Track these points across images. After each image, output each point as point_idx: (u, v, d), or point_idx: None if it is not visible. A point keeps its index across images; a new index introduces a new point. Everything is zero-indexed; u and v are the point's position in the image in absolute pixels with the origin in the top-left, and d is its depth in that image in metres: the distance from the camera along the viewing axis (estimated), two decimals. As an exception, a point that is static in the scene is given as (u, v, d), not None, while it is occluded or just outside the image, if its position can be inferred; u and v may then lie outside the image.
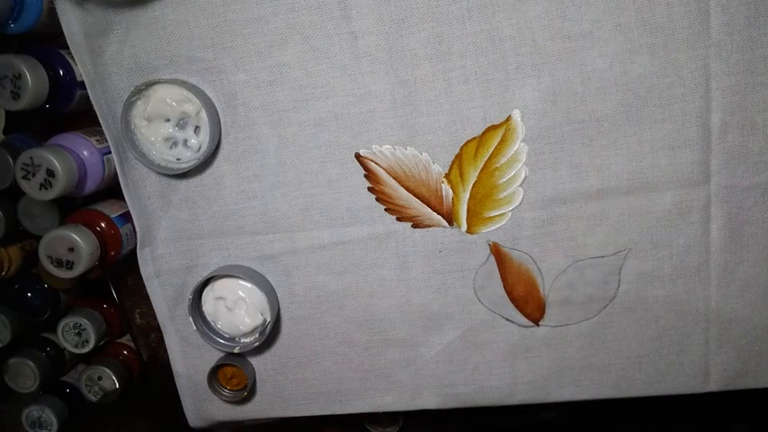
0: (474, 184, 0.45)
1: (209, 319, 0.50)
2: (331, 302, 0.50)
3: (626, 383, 0.49)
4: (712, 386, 0.48)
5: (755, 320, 0.46)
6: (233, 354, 0.50)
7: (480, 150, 0.44)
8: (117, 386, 0.60)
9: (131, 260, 0.50)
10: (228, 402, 0.52)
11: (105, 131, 0.46)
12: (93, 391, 0.61)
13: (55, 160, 0.43)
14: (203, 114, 0.45)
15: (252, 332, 0.49)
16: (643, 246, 0.45)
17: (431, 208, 0.46)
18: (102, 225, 0.49)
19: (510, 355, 0.49)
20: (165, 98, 0.44)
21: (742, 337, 0.47)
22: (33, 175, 0.44)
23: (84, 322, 0.58)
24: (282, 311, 0.50)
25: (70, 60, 0.47)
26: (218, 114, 0.46)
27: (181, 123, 0.45)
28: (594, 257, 0.46)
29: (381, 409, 0.52)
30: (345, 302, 0.49)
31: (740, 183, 0.43)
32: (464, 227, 0.46)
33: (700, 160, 0.43)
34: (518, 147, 0.44)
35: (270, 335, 0.49)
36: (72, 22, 0.43)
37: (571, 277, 0.47)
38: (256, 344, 0.49)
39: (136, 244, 0.49)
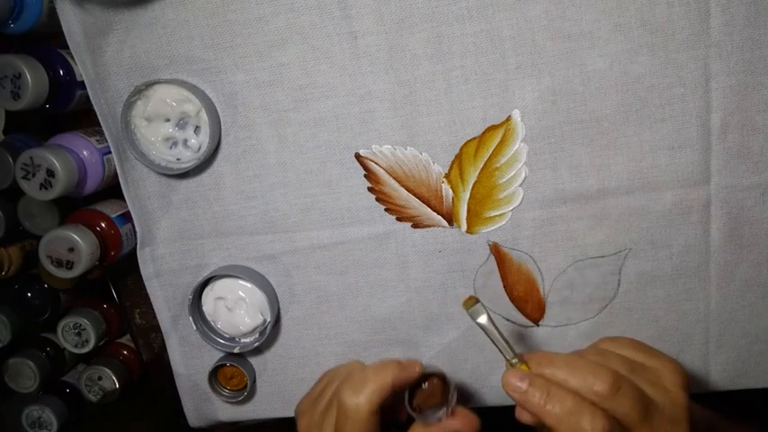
0: (474, 184, 0.45)
1: (209, 319, 0.50)
2: (331, 302, 0.50)
3: (626, 383, 0.49)
4: (712, 386, 0.48)
5: (755, 320, 0.46)
6: (233, 354, 0.50)
7: (480, 150, 0.44)
8: (117, 386, 0.60)
9: (131, 260, 0.50)
10: (228, 402, 0.52)
11: (105, 131, 0.46)
12: (93, 391, 0.61)
13: (55, 160, 0.43)
14: (203, 114, 0.45)
15: (252, 332, 0.49)
16: (643, 246, 0.45)
17: (431, 208, 0.46)
18: (102, 225, 0.49)
19: (510, 355, 0.49)
20: (165, 98, 0.44)
21: (742, 337, 0.47)
22: (33, 175, 0.44)
23: (84, 322, 0.58)
24: (282, 311, 0.50)
25: (70, 60, 0.47)
26: (218, 114, 0.46)
27: (181, 123, 0.45)
28: (594, 257, 0.46)
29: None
30: (345, 302, 0.49)
31: (740, 183, 0.43)
32: (464, 227, 0.46)
33: (700, 160, 0.43)
34: (518, 147, 0.44)
35: (270, 335, 0.49)
36: (72, 22, 0.43)
37: (571, 277, 0.47)
38: (256, 344, 0.49)
39: (136, 244, 0.49)
